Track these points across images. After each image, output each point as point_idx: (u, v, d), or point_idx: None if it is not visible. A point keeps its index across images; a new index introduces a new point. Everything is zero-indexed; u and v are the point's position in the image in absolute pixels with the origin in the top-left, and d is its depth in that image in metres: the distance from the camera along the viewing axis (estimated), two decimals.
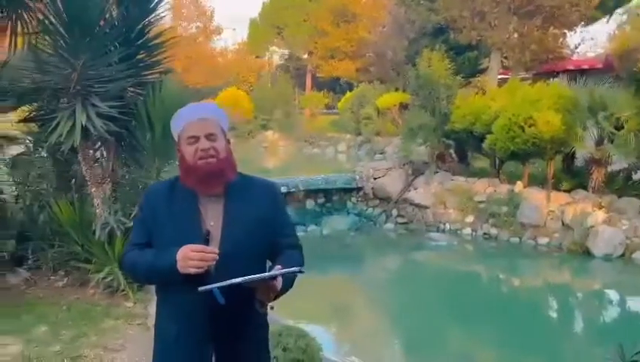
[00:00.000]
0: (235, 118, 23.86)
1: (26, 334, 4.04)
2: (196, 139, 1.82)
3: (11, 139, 5.77)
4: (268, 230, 1.90)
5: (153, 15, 4.99)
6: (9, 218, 5.47)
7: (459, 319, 6.92)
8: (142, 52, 4.94)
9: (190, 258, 1.69)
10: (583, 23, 17.38)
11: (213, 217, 1.84)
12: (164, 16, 5.03)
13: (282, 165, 19.70)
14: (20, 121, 5.54)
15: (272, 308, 1.86)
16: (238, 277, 1.68)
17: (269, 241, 1.92)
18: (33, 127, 5.38)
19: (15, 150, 5.63)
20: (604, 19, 16.84)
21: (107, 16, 4.63)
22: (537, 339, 6.12)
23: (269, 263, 1.90)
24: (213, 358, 1.88)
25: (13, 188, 5.49)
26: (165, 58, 5.20)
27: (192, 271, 1.69)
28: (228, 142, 1.93)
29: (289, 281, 1.82)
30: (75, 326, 4.24)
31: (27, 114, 5.27)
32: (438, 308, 7.34)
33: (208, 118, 1.88)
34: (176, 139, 1.92)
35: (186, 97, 4.76)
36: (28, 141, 5.49)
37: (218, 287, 1.66)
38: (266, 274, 1.70)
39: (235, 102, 24.09)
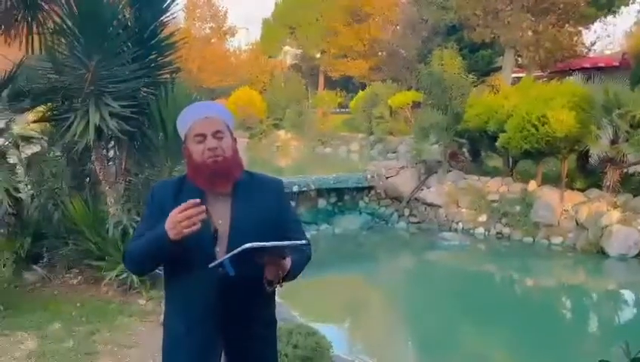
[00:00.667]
0: (248, 117, 23.99)
1: (41, 330, 4.11)
2: (203, 137, 1.83)
3: (28, 139, 5.85)
4: (275, 227, 1.91)
5: (165, 16, 5.03)
6: (26, 216, 5.57)
7: (472, 319, 6.89)
8: (154, 52, 4.99)
9: (178, 220, 1.66)
10: (599, 19, 17.16)
11: (220, 215, 1.85)
12: (177, 17, 5.04)
13: (294, 164, 19.76)
14: (35, 121, 5.64)
15: (281, 285, 1.85)
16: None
17: (277, 237, 1.93)
18: (48, 127, 5.46)
19: (31, 150, 5.71)
20: (624, 10, 16.48)
21: (120, 17, 4.68)
22: (551, 339, 6.07)
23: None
24: (223, 354, 1.89)
25: (29, 187, 5.57)
26: (177, 58, 5.26)
27: (186, 231, 1.66)
28: (234, 140, 1.94)
29: (297, 267, 1.82)
30: (89, 323, 4.30)
31: (42, 114, 5.36)
32: (450, 307, 7.30)
33: (214, 116, 1.89)
34: (182, 137, 1.93)
35: (197, 97, 4.79)
36: (43, 141, 5.57)
37: (229, 259, 1.66)
38: (272, 243, 1.67)
39: (248, 101, 24.21)
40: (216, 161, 1.82)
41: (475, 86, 12.45)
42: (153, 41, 4.95)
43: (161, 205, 1.87)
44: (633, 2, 17.07)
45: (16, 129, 6.15)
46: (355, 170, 13.11)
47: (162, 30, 5.06)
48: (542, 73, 20.21)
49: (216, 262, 1.69)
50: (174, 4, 5.05)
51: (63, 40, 4.64)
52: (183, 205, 1.67)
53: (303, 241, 1.75)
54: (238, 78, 30.96)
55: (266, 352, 1.98)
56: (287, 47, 35.08)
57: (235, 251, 1.65)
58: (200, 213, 1.67)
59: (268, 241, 1.68)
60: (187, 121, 1.90)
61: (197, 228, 1.67)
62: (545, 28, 16.73)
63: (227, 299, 1.80)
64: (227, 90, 28.54)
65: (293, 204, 10.58)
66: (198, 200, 1.68)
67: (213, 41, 36.14)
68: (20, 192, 5.44)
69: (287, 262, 1.76)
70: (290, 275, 1.81)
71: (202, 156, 1.82)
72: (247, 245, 1.63)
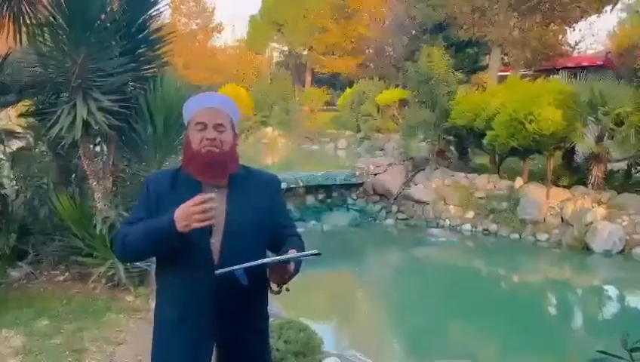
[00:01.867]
0: None
1: (27, 327, 4.05)
2: (204, 126, 1.83)
3: (12, 134, 5.76)
4: (269, 220, 1.93)
5: (154, 9, 4.98)
6: (10, 213, 5.48)
7: (459, 314, 6.93)
8: (143, 46, 4.93)
9: (193, 212, 1.67)
10: (583, 18, 17.35)
11: (216, 208, 1.85)
12: (164, 11, 4.99)
13: (282, 161, 19.71)
14: (20, 116, 5.54)
15: (287, 289, 1.88)
16: (239, 271, 1.70)
17: (271, 231, 1.94)
18: (34, 121, 5.37)
19: (16, 145, 5.61)
20: (606, 10, 16.70)
21: (108, 10, 4.62)
22: (537, 334, 6.14)
23: (268, 252, 1.92)
24: (215, 348, 1.88)
25: (14, 182, 5.48)
26: (165, 52, 5.20)
27: (198, 224, 1.68)
28: (235, 136, 1.93)
29: (298, 266, 1.85)
30: (77, 320, 4.24)
31: (28, 108, 5.27)
32: (438, 303, 7.35)
33: (220, 108, 1.89)
34: (186, 124, 1.93)
35: (186, 92, 4.74)
36: (29, 135, 5.48)
37: (239, 268, 1.69)
38: (290, 255, 1.72)
39: (234, 98, 23.89)
40: (211, 150, 1.81)
41: (462, 84, 12.51)
42: (141, 35, 4.89)
43: (157, 196, 1.87)
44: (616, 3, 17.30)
45: (1, 123, 6.06)
46: (343, 167, 13.11)
47: (151, 24, 5.00)
48: (527, 72, 20.41)
49: (227, 270, 1.70)
50: None
51: (48, 33, 4.56)
52: (199, 198, 1.68)
53: (315, 251, 1.76)
54: (225, 75, 30.77)
55: (258, 346, 1.98)
56: (274, 44, 34.96)
57: (252, 263, 1.69)
58: (213, 208, 1.69)
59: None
60: (192, 108, 1.90)
61: (210, 223, 1.69)
62: (531, 26, 16.89)
63: (222, 292, 1.79)
64: (214, 88, 28.35)
65: None
66: (213, 195, 1.70)
67: (199, 37, 35.88)
68: (4, 188, 5.36)
69: (291, 266, 1.79)
70: (293, 275, 1.83)
71: (199, 145, 1.82)
72: (266, 260, 1.71)
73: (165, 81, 4.97)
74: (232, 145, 1.89)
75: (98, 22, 4.47)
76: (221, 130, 1.85)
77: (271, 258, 1.73)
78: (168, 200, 1.83)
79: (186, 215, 1.67)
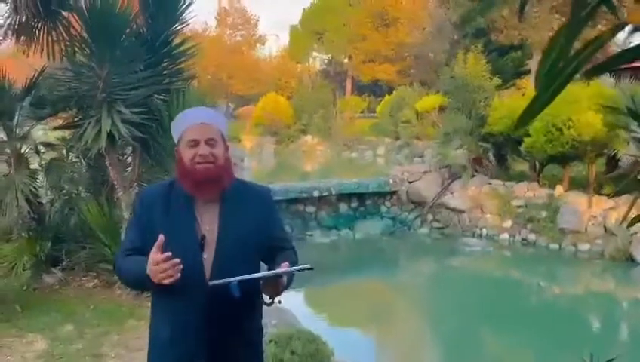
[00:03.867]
0: (275, 123, 24.18)
1: (52, 332, 4.22)
2: (196, 142, 1.83)
3: (49, 146, 6.03)
4: (262, 234, 1.92)
5: (178, 24, 5.11)
6: (47, 221, 5.73)
7: (495, 327, 6.74)
8: (166, 60, 5.07)
9: (158, 271, 1.67)
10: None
11: (209, 222, 1.85)
12: (188, 25, 5.12)
13: (320, 169, 19.78)
14: (56, 128, 5.81)
15: (279, 302, 1.89)
16: (233, 284, 1.72)
17: (263, 245, 1.93)
18: (68, 133, 5.62)
19: (50, 155, 5.88)
20: None
21: (132, 25, 4.78)
22: (578, 349, 5.87)
23: (263, 266, 1.93)
24: None
25: (49, 192, 5.74)
26: (191, 65, 5.34)
27: (167, 281, 1.67)
28: (226, 148, 1.95)
29: (291, 279, 1.85)
30: (100, 326, 4.38)
31: (62, 120, 5.52)
32: (473, 314, 7.14)
33: (209, 123, 1.89)
34: (175, 140, 1.93)
35: (207, 103, 4.84)
36: (62, 147, 5.73)
37: (237, 282, 1.71)
38: (283, 270, 1.74)
39: (275, 107, 24.41)
40: (206, 167, 1.82)
41: (506, 88, 12.19)
42: (165, 49, 5.03)
43: (150, 212, 1.88)
44: None
45: (40, 135, 6.36)
46: (381, 174, 13.01)
47: (174, 38, 5.14)
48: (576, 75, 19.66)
49: (222, 282, 1.71)
50: (187, 11, 5.13)
51: (76, 48, 4.76)
52: (159, 257, 1.66)
53: (307, 266, 1.76)
54: (268, 85, 31.25)
55: (251, 360, 1.98)
56: (315, 53, 35.23)
57: (246, 277, 1.70)
58: (175, 265, 1.66)
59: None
60: (182, 125, 1.90)
61: (177, 279, 1.67)
62: None
63: (213, 307, 1.80)
64: (256, 97, 28.83)
65: (314, 209, 10.65)
66: (169, 254, 1.66)
67: (243, 49, 36.63)
68: (39, 197, 5.61)
69: (284, 279, 1.79)
70: (286, 288, 1.83)
71: (192, 161, 1.82)
72: (260, 274, 1.73)
73: (189, 94, 5.10)
74: (225, 158, 1.88)
75: (122, 37, 4.63)
76: (212, 143, 1.84)
77: (265, 272, 1.74)
78: (161, 215, 1.85)
79: (153, 272, 1.68)
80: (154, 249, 1.68)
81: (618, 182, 9.69)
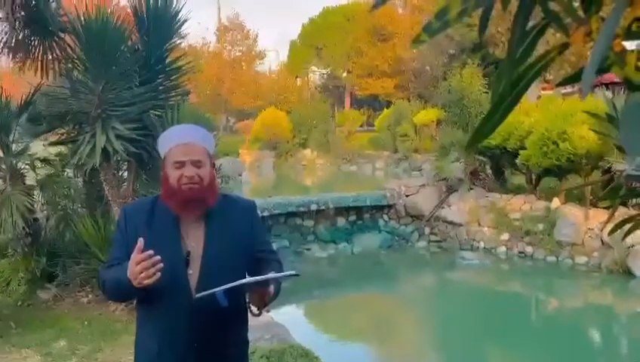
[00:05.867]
0: (274, 137, 24.25)
1: (45, 348, 4.21)
2: (182, 164, 1.83)
3: (46, 161, 6.07)
4: (247, 247, 1.95)
5: (173, 40, 5.18)
6: (42, 236, 5.75)
7: (494, 340, 6.70)
8: (161, 76, 5.12)
9: (137, 272, 1.67)
10: None
11: (194, 238, 1.87)
12: (181, 43, 5.18)
13: (320, 183, 19.80)
14: (52, 144, 5.85)
15: (267, 311, 1.92)
16: (219, 293, 1.73)
17: (249, 258, 1.96)
18: (62, 149, 5.66)
19: (45, 171, 5.91)
20: None
21: (127, 42, 4.84)
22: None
23: (248, 277, 1.95)
24: None
25: (44, 207, 5.76)
26: (185, 81, 5.39)
27: (147, 282, 1.68)
28: (213, 166, 1.96)
29: (278, 289, 1.86)
30: (93, 341, 4.38)
31: (58, 137, 5.57)
32: (472, 328, 7.10)
33: (195, 143, 1.87)
34: (162, 157, 1.94)
35: (202, 118, 4.88)
36: (57, 163, 5.77)
37: (223, 291, 1.72)
38: (268, 276, 1.75)
39: (274, 121, 24.50)
40: (191, 188, 1.82)
41: None
42: (160, 66, 5.09)
43: (135, 228, 1.88)
44: None
45: (38, 151, 6.39)
46: (379, 188, 13.03)
47: (170, 54, 5.20)
48: (572, 89, 19.78)
49: (208, 293, 1.72)
50: (181, 29, 5.20)
51: (71, 65, 4.82)
52: (139, 256, 1.67)
53: (292, 272, 1.79)
54: (267, 99, 31.40)
55: None
56: (313, 67, 35.45)
57: (232, 284, 1.71)
58: (155, 263, 1.67)
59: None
60: (168, 144, 1.90)
61: (157, 279, 1.68)
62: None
63: (200, 322, 1.81)
64: (255, 111, 28.98)
65: (312, 222, 10.65)
66: (151, 252, 1.67)
67: (243, 64, 36.86)
68: (35, 213, 5.63)
69: (271, 289, 1.80)
70: (273, 298, 1.84)
71: (178, 182, 1.83)
72: (245, 280, 1.74)
73: (184, 109, 5.14)
74: (211, 178, 1.89)
75: (117, 53, 4.69)
76: (199, 165, 1.84)
77: (249, 278, 1.76)
78: (145, 231, 1.84)
79: (133, 274, 1.68)
80: (135, 251, 1.69)
81: (613, 197, 9.71)
